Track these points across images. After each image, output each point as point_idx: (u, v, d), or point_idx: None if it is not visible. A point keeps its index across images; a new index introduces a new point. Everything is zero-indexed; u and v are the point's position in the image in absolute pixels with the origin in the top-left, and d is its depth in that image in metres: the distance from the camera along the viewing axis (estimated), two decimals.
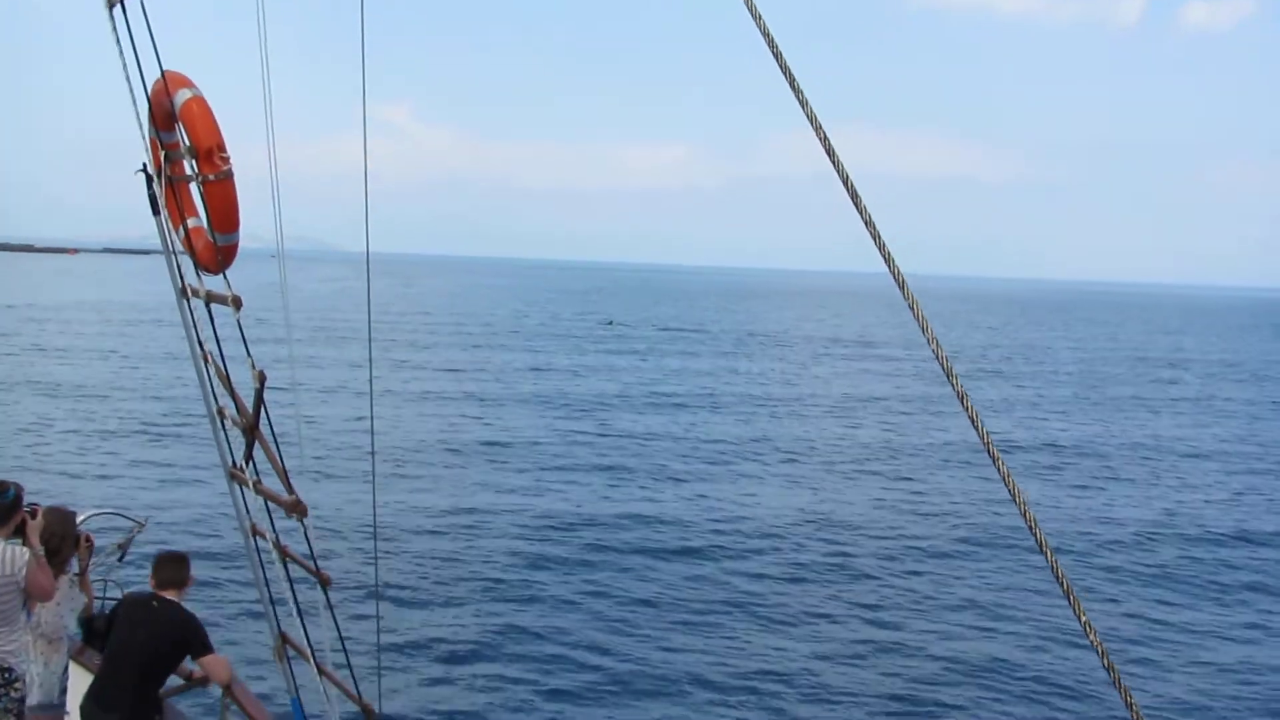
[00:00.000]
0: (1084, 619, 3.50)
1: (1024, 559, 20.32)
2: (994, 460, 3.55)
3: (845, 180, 3.61)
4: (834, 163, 3.57)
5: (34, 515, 6.17)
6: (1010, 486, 3.55)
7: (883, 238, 3.59)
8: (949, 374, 3.55)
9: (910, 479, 28.60)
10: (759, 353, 67.25)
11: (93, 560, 8.15)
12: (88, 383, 40.15)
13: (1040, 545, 3.45)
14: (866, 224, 3.57)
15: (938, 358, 3.56)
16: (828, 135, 3.65)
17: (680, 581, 18.25)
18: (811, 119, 3.69)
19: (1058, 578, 3.44)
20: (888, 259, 3.59)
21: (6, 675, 5.83)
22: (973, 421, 3.59)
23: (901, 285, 3.59)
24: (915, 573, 19.53)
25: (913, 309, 3.57)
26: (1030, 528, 3.47)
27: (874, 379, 53.87)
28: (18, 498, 6.06)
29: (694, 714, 12.96)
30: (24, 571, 5.80)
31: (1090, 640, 3.49)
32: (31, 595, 5.98)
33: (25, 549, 5.91)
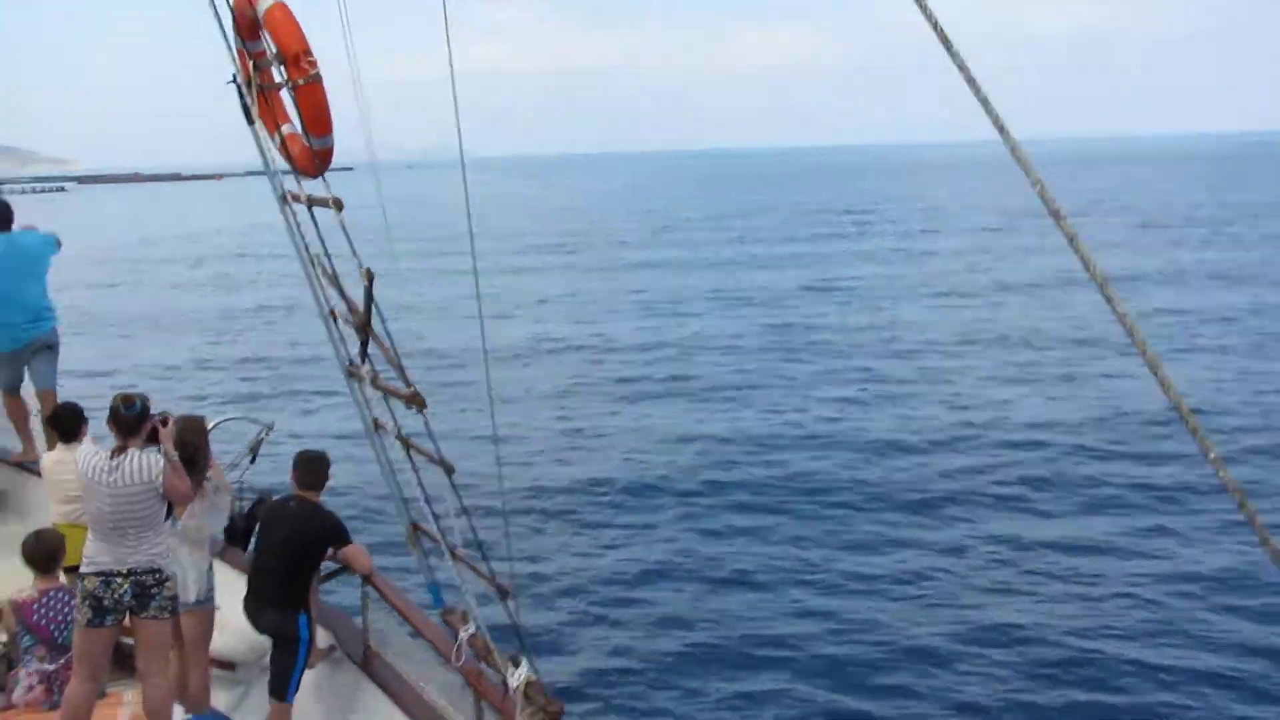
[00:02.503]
0: None
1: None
2: None
3: (947, 44, 3.42)
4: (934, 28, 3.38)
5: (165, 424, 6.41)
6: None
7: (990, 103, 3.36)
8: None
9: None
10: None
11: (226, 463, 8.50)
12: (213, 303, 41.47)
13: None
14: (975, 91, 3.39)
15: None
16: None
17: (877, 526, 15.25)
18: None
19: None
20: (1000, 128, 3.37)
21: (157, 575, 6.12)
22: None
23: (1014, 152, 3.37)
24: None
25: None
26: None
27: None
28: (145, 408, 6.28)
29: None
30: (160, 478, 6.04)
31: None
32: (170, 499, 6.23)
33: (160, 456, 6.15)
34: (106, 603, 6.02)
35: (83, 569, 6.11)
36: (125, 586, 6.03)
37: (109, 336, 33.53)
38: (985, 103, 3.01)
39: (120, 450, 6.09)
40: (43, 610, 6.77)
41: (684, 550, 14.40)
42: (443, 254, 53.68)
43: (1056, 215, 2.90)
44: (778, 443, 19.33)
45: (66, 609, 6.80)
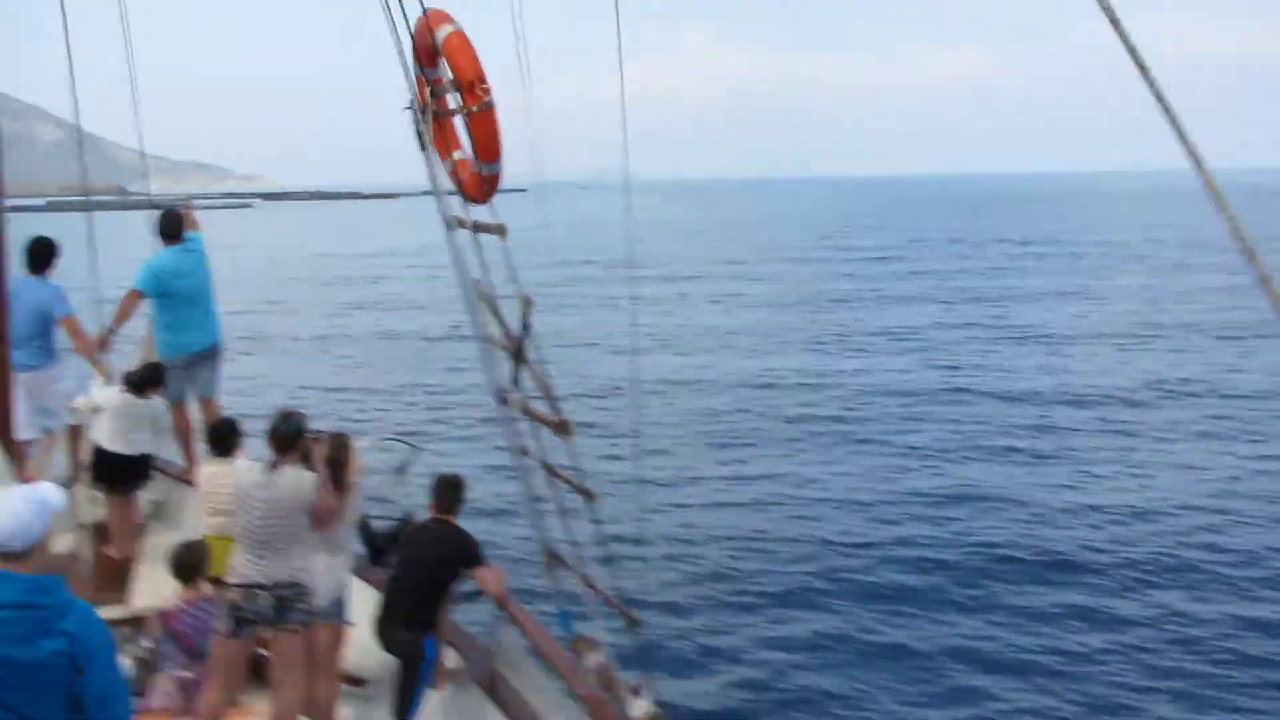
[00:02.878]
0: None
1: None
2: None
3: (1143, 69, 3.27)
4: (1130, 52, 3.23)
5: (318, 442, 6.58)
6: None
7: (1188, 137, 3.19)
8: None
9: None
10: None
11: (374, 482, 8.69)
12: (377, 322, 42.59)
13: None
14: (1169, 119, 3.21)
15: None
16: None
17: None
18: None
19: None
20: (1195, 158, 3.20)
21: (297, 590, 6.24)
22: None
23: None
24: None
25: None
26: None
27: None
28: (301, 426, 6.47)
29: None
30: (312, 495, 6.18)
31: None
32: (317, 518, 6.35)
33: (311, 474, 6.28)
34: (248, 614, 6.17)
35: (230, 580, 6.28)
36: (268, 600, 6.17)
37: (273, 353, 34.62)
38: (1179, 131, 2.87)
39: (275, 466, 6.26)
40: (187, 620, 6.95)
41: (828, 606, 13.87)
42: (607, 279, 54.34)
43: (1249, 253, 2.75)
44: (943, 497, 18.32)
45: (209, 619, 6.99)
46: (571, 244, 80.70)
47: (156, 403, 9.49)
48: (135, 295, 10.03)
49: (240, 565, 6.24)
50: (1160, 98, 2.89)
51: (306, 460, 6.47)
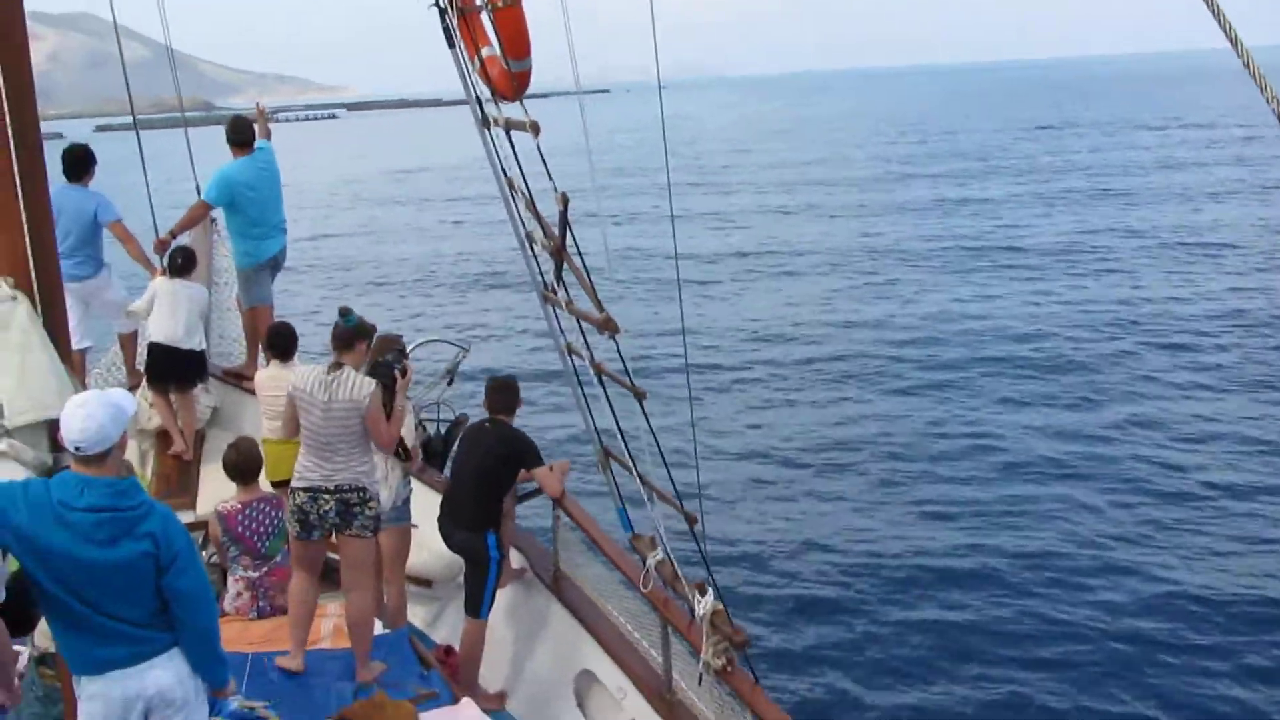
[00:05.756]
0: None
1: None
2: None
3: None
4: None
5: (404, 374, 6.57)
6: None
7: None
8: None
9: None
10: None
11: (428, 383, 8.72)
12: (433, 231, 42.64)
13: None
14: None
15: None
16: None
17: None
18: None
19: None
20: (1233, 39, 3.06)
21: (362, 494, 6.26)
22: None
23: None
24: None
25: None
26: None
27: None
28: (361, 322, 6.44)
29: None
30: (368, 400, 6.16)
31: None
32: (372, 433, 6.31)
33: (371, 380, 6.26)
34: (313, 518, 6.19)
35: (293, 484, 6.31)
36: (331, 503, 6.18)
37: (329, 267, 34.84)
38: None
39: (337, 366, 6.24)
40: (245, 521, 7.06)
41: (878, 503, 13.79)
42: (698, 182, 53.76)
43: None
44: (993, 426, 16.55)
45: (269, 520, 7.09)
46: (659, 146, 79.19)
47: (199, 287, 9.61)
48: (203, 206, 10.14)
49: (304, 468, 6.26)
50: None
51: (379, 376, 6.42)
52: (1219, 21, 2.82)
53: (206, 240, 11.17)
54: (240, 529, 7.04)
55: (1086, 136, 73.05)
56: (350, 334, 6.34)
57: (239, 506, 7.10)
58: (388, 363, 6.53)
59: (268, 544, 7.07)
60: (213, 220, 11.24)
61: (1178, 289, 24.93)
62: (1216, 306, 22.94)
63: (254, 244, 10.17)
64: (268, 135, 10.55)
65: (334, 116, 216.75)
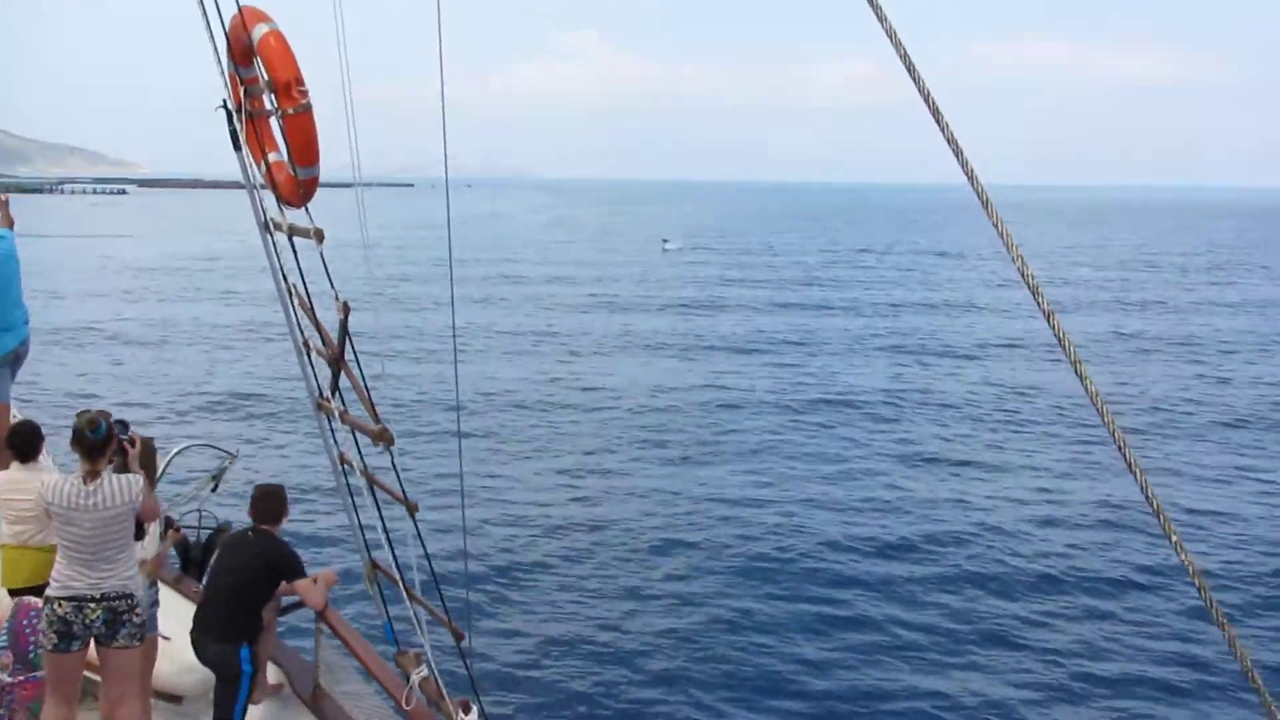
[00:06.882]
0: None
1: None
2: None
3: (925, 96, 3.52)
4: (913, 78, 3.48)
5: (133, 444, 6.35)
6: None
7: (964, 154, 3.52)
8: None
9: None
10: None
11: (188, 491, 8.44)
12: (175, 321, 41.03)
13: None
14: (948, 140, 3.49)
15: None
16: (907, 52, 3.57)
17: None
18: (890, 35, 3.61)
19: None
20: (969, 174, 3.51)
21: (129, 602, 6.05)
22: None
23: (984, 201, 3.52)
24: None
25: (996, 226, 3.50)
26: None
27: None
28: (110, 429, 6.22)
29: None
30: (140, 498, 5.99)
31: None
32: (143, 519, 6.18)
33: (138, 476, 6.09)
34: (76, 628, 5.95)
35: (52, 592, 6.01)
36: (98, 612, 5.96)
37: (87, 350, 33.22)
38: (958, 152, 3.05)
39: (92, 474, 6.01)
40: (34, 620, 6.66)
41: (645, 603, 14.29)
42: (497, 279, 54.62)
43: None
44: (740, 498, 19.26)
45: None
46: (469, 241, 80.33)
47: None
48: None
49: (66, 578, 5.99)
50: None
51: (122, 465, 6.24)
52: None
53: None
54: (26, 625, 6.62)
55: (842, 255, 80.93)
56: (103, 444, 6.12)
57: (38, 605, 6.70)
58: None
59: (38, 652, 6.65)
60: None
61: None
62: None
63: None
64: (10, 224, 10.00)
65: (124, 192, 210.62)
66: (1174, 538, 3.50)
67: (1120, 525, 17.54)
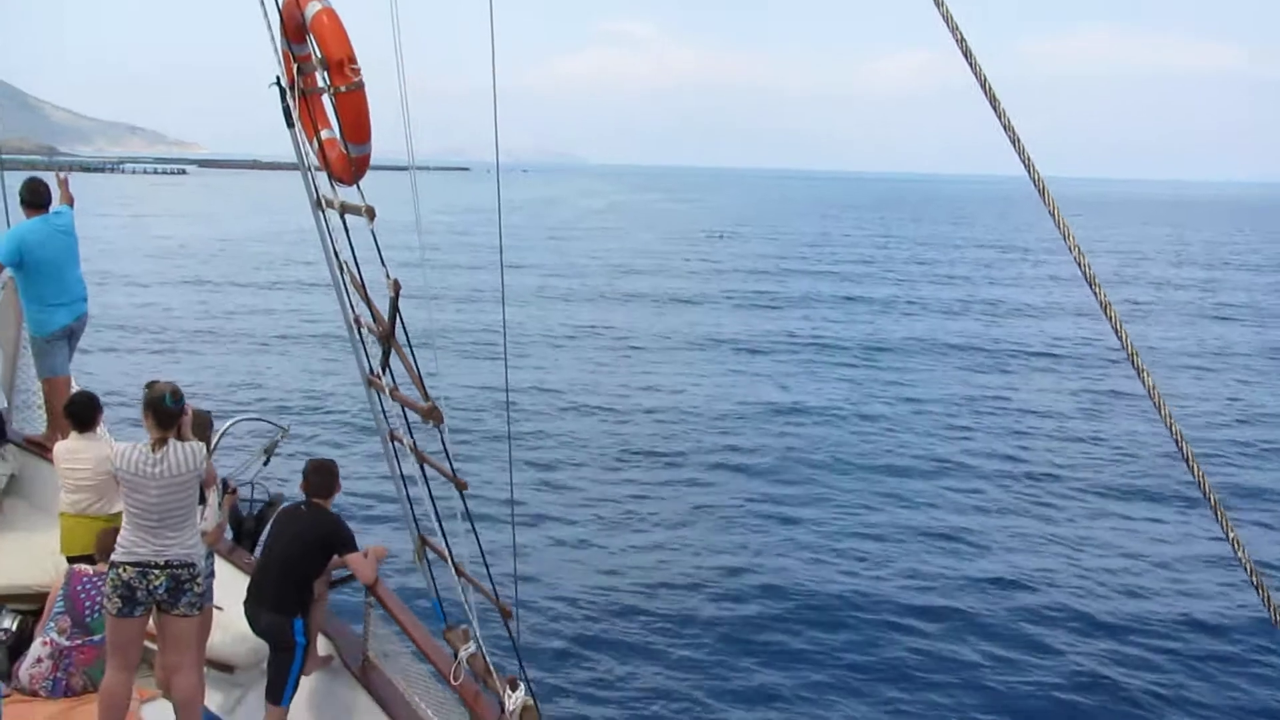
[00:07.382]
0: None
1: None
2: None
3: (984, 83, 3.46)
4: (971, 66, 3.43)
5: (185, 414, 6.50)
6: None
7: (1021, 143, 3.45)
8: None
9: None
10: None
11: (245, 462, 8.58)
12: (235, 298, 41.49)
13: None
14: (1005, 129, 3.43)
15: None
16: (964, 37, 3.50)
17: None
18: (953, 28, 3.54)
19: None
20: (1026, 164, 3.44)
21: (191, 570, 6.18)
22: None
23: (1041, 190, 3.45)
24: None
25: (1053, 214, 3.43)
26: None
27: None
28: (182, 401, 6.37)
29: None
30: (204, 464, 6.15)
31: None
32: (207, 486, 6.32)
33: (201, 444, 6.25)
34: (140, 594, 6.08)
35: (117, 558, 6.14)
36: (161, 579, 6.10)
37: (139, 329, 33.59)
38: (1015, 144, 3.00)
39: (161, 442, 6.15)
40: (89, 587, 6.83)
41: (693, 592, 14.22)
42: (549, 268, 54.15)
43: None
44: (789, 473, 19.39)
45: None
46: (526, 224, 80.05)
47: None
48: None
49: (130, 544, 6.12)
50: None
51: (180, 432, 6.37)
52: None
53: (14, 304, 10.69)
54: (80, 590, 6.78)
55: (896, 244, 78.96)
56: (178, 414, 6.25)
57: (90, 572, 6.87)
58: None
59: (95, 617, 6.80)
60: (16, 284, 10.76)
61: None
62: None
63: (47, 313, 9.64)
64: (70, 202, 10.17)
65: (184, 172, 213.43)
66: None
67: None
